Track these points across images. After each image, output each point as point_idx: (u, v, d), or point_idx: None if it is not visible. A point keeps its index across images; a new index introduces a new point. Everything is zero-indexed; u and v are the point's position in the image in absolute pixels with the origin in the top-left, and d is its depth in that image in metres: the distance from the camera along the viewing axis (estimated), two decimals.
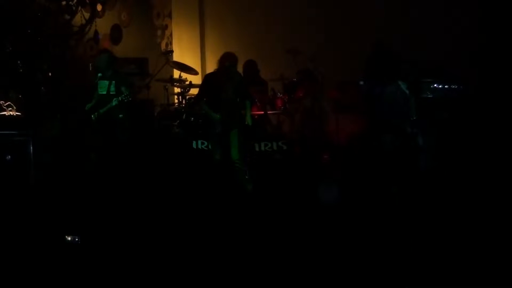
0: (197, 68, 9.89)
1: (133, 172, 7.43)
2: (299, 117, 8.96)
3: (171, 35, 11.19)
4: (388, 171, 6.41)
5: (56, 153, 7.75)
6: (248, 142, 7.40)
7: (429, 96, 7.23)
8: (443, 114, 6.80)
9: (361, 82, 8.18)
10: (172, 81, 9.13)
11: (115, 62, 7.57)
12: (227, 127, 6.77)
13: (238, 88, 6.78)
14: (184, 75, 9.02)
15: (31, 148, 7.39)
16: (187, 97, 8.72)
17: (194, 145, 7.85)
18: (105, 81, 7.34)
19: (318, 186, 6.68)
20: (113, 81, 7.32)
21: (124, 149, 7.39)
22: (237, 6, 10.54)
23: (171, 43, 11.13)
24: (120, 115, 7.30)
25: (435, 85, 7.34)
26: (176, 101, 9.09)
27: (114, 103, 7.18)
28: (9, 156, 7.38)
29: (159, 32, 11.13)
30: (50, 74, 8.65)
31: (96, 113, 7.31)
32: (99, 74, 7.38)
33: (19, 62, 8.24)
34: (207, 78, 7.02)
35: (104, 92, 7.32)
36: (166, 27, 11.17)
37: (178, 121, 8.35)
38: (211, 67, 7.18)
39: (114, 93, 7.28)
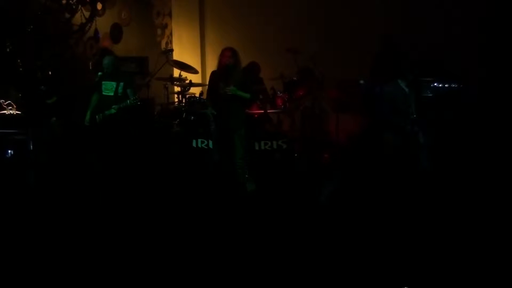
0: (197, 67, 9.89)
1: (132, 171, 7.42)
2: (299, 116, 8.96)
3: (171, 34, 11.19)
4: (388, 170, 6.41)
5: (55, 153, 7.73)
6: (248, 141, 7.38)
7: (429, 95, 7.24)
8: (444, 113, 6.80)
9: (361, 81, 8.19)
10: (172, 80, 9.13)
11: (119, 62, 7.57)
12: (226, 126, 6.71)
13: (240, 86, 6.67)
14: (184, 74, 9.01)
15: (31, 147, 7.39)
16: (187, 96, 8.72)
17: (194, 144, 7.84)
18: (112, 82, 7.28)
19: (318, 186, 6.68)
20: (121, 83, 7.29)
21: (125, 149, 7.37)
22: (237, 5, 10.55)
23: (171, 42, 11.13)
24: (113, 110, 7.18)
25: (435, 84, 7.35)
26: (176, 100, 9.08)
27: (122, 106, 7.13)
28: (10, 153, 7.38)
29: (159, 31, 11.12)
30: (50, 73, 8.63)
31: (101, 114, 7.25)
32: (99, 73, 7.36)
33: (19, 61, 8.23)
34: (210, 75, 6.98)
35: (111, 94, 7.28)
36: (166, 26, 11.17)
37: (178, 120, 8.34)
38: (211, 66, 7.15)
39: (121, 95, 7.26)
